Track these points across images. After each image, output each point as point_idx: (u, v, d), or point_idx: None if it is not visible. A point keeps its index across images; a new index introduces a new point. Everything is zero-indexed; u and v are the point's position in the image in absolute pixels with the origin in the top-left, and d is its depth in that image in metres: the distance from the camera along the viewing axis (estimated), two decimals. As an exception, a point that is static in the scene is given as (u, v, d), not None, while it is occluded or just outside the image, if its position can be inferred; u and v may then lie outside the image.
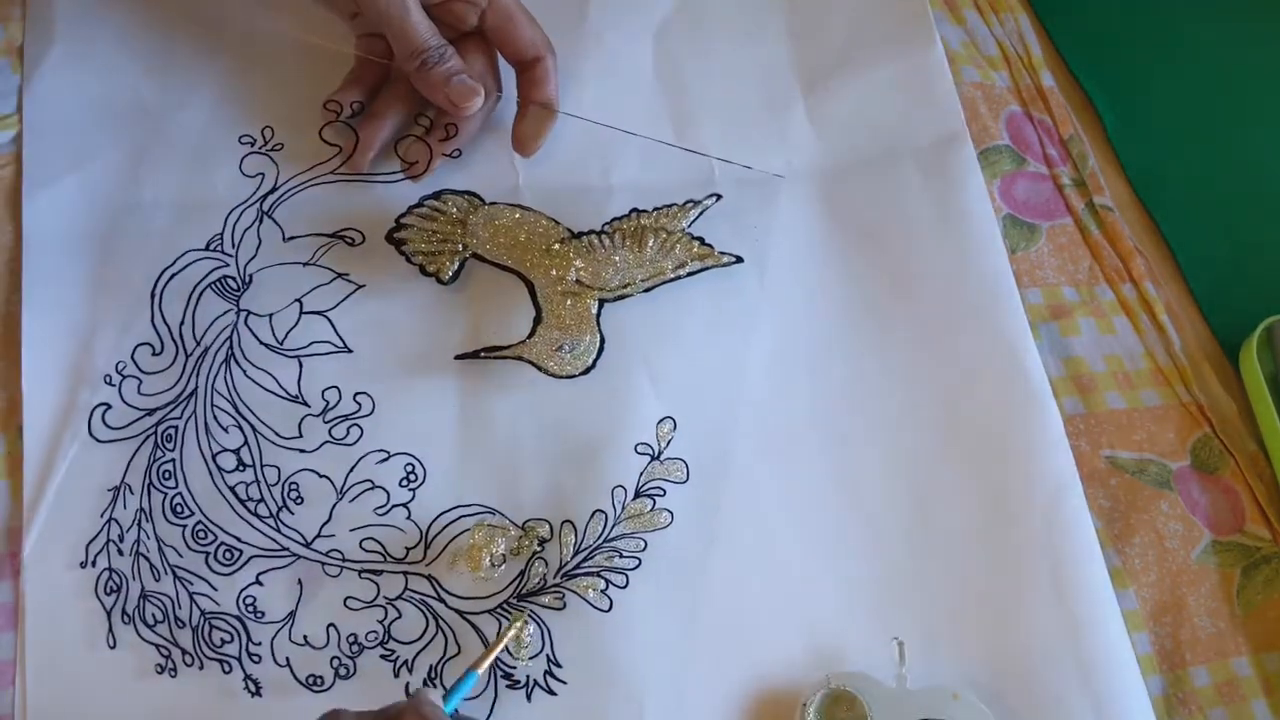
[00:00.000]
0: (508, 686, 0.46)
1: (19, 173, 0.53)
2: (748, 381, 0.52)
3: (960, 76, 0.61)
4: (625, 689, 0.46)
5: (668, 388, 0.51)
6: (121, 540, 0.47)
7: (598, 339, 0.51)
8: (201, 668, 0.45)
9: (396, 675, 0.46)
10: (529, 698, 0.46)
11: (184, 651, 0.45)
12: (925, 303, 0.55)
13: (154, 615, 0.46)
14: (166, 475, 0.48)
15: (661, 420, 0.50)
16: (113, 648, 0.45)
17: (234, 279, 0.51)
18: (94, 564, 0.46)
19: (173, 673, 0.45)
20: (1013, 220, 0.58)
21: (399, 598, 0.47)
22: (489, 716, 0.45)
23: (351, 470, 0.49)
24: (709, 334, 0.53)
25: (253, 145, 0.55)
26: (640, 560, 0.48)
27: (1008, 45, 0.64)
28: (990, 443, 0.52)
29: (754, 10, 0.62)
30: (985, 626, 0.48)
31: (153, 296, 0.51)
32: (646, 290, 0.52)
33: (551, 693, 0.46)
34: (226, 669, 0.45)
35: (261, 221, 0.53)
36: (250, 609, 0.46)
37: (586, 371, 0.50)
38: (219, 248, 0.52)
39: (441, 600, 0.47)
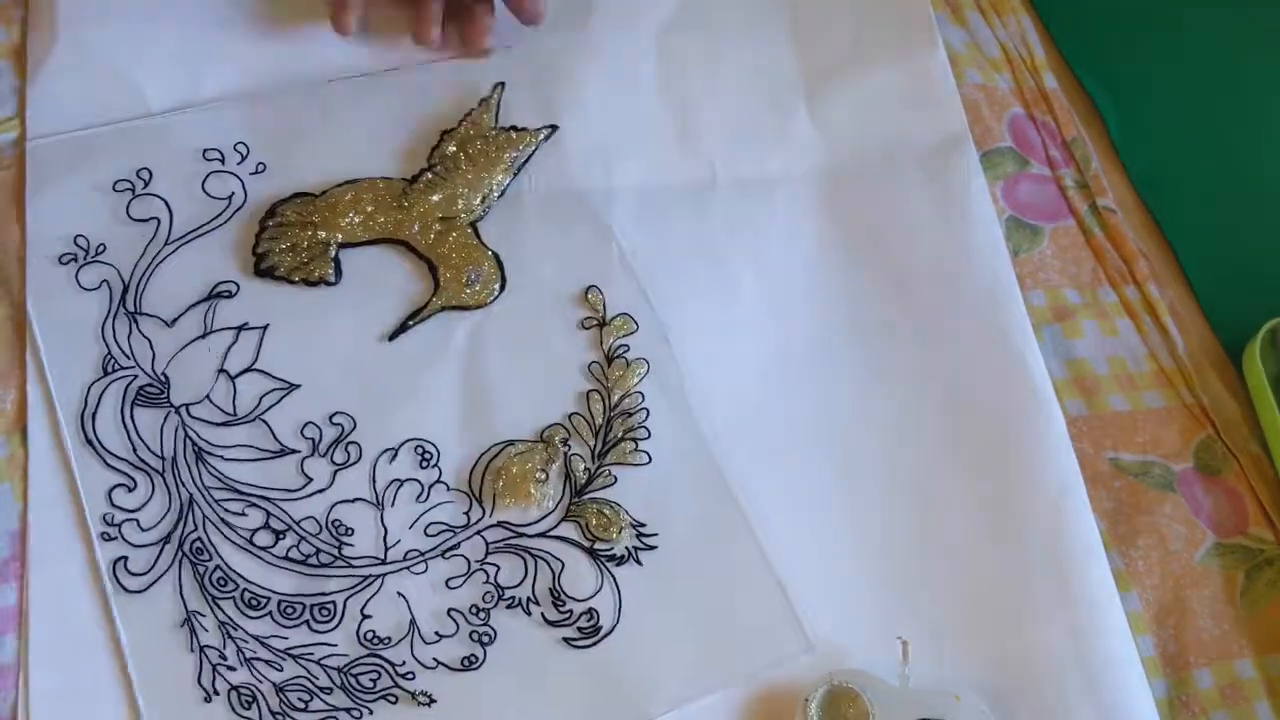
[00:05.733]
0: (618, 565, 0.48)
1: (21, 175, 0.53)
2: (749, 383, 0.52)
3: (963, 78, 0.61)
4: (627, 688, 0.46)
5: (667, 389, 0.52)
6: (225, 660, 0.46)
7: (490, 255, 0.53)
8: (372, 713, 0.45)
9: (529, 614, 0.47)
10: (640, 563, 0.48)
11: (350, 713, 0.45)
12: (928, 304, 0.55)
13: (287, 704, 0.45)
14: (221, 582, 0.47)
15: (589, 291, 0.53)
16: None
17: (151, 385, 0.50)
18: (217, 693, 0.45)
19: None
20: (1016, 222, 0.58)
21: (487, 557, 0.48)
22: (619, 599, 0.47)
23: (374, 481, 0.49)
24: (709, 335, 0.53)
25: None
26: (648, 413, 0.51)
27: (1010, 47, 0.64)
28: (993, 444, 0.52)
29: (757, 12, 0.62)
30: (988, 627, 0.48)
31: (90, 443, 0.48)
32: (502, 195, 0.54)
33: (652, 548, 0.48)
34: (392, 700, 0.45)
35: (135, 322, 0.51)
36: (375, 641, 0.46)
37: (503, 288, 0.53)
38: (115, 366, 0.50)
39: (521, 535, 0.48)
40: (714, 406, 0.51)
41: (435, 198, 0.53)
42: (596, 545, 0.48)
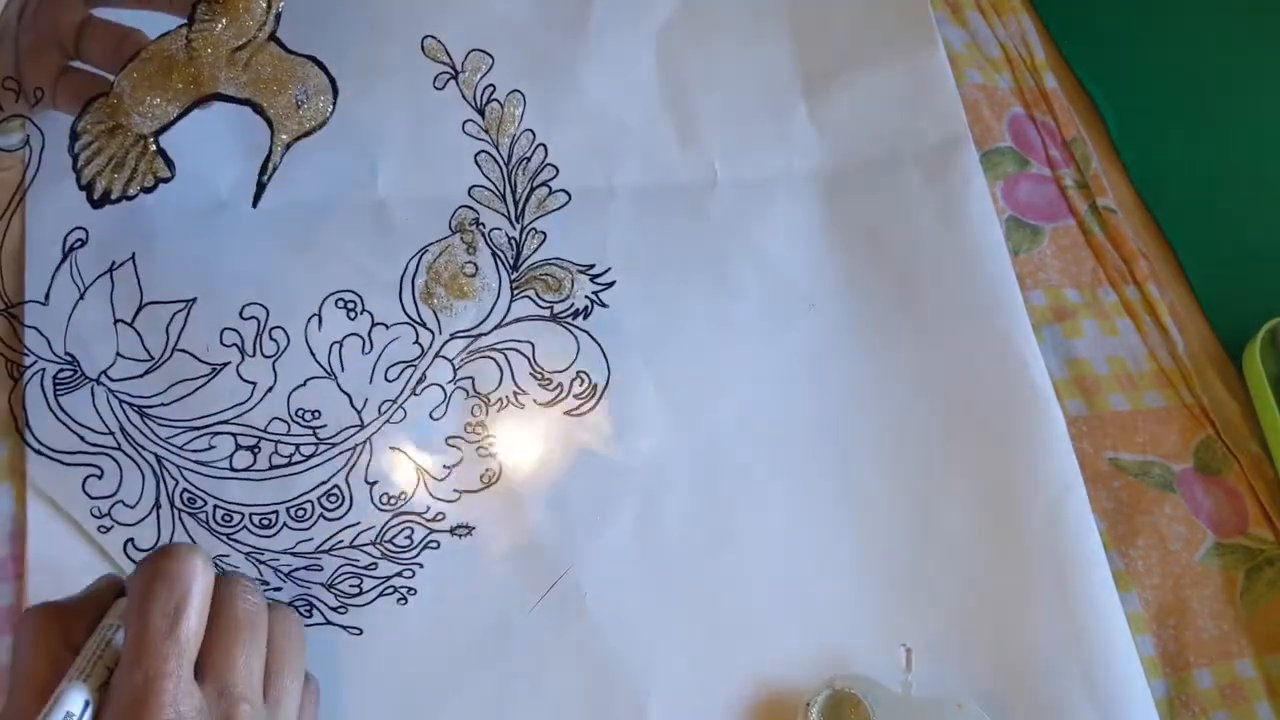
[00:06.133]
0: (585, 319, 0.47)
1: (24, 174, 0.52)
2: (749, 384, 0.52)
3: (963, 78, 0.61)
4: (627, 689, 0.46)
5: (668, 390, 0.51)
6: (269, 585, 0.45)
7: (309, 62, 0.46)
8: (423, 566, 0.45)
9: (523, 406, 0.46)
10: (605, 304, 0.47)
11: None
12: (927, 305, 0.55)
13: (343, 595, 0.45)
14: (226, 518, 0.46)
15: (424, 41, 0.49)
16: None
17: (62, 369, 0.47)
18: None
19: None
20: (1015, 222, 0.58)
21: (457, 374, 0.46)
22: (603, 351, 0.46)
23: (313, 355, 0.47)
24: (709, 336, 0.53)
25: None
26: (546, 149, 0.48)
27: (1010, 47, 0.64)
28: (993, 445, 0.52)
29: (756, 12, 0.62)
30: (988, 630, 0.48)
31: (41, 453, 0.46)
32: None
33: (610, 284, 0.47)
34: (435, 546, 0.45)
35: (11, 317, 0.48)
36: (392, 501, 0.45)
37: (335, 95, 0.45)
38: (17, 371, 0.47)
39: (479, 337, 0.47)
40: (713, 406, 0.51)
41: (219, 29, 0.46)
42: (556, 309, 0.46)
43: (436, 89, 0.48)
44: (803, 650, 0.47)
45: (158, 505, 0.46)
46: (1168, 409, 0.55)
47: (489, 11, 0.57)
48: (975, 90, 0.61)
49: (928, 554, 0.50)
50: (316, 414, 0.46)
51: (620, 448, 0.47)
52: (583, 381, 0.46)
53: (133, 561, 0.45)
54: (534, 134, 0.47)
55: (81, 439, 0.47)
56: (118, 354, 0.47)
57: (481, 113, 0.48)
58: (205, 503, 0.46)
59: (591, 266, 0.46)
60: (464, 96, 0.48)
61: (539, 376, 0.46)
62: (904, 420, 0.52)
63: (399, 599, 0.45)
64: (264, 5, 0.45)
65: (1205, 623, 0.50)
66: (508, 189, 0.47)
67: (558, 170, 0.47)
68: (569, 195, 0.47)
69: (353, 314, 0.47)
